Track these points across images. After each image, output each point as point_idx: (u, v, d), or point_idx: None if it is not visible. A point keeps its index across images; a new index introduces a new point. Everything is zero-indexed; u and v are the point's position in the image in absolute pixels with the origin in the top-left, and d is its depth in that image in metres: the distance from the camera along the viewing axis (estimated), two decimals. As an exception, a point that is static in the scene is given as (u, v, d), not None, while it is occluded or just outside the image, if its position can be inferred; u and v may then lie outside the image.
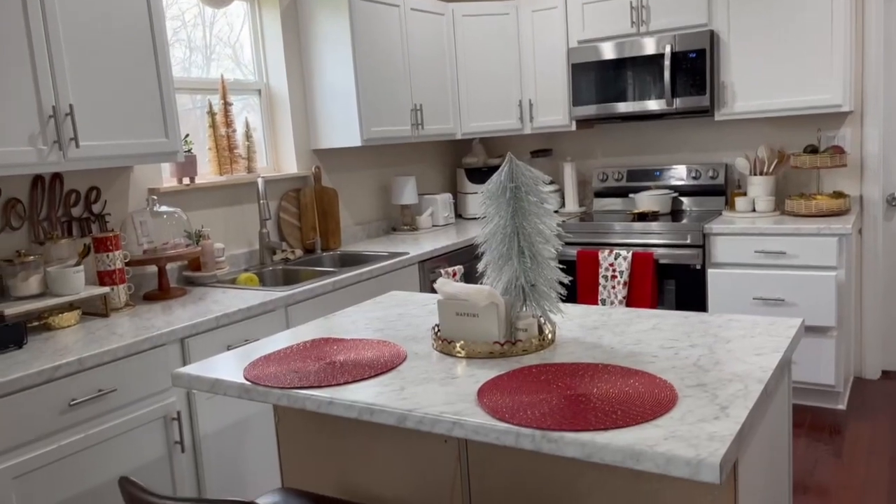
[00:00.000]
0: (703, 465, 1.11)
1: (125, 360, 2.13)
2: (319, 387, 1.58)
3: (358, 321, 2.15)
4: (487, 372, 1.60)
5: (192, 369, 1.77)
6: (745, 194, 3.92)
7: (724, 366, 1.53)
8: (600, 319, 1.97)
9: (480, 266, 1.81)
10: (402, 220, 4.18)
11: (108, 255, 2.53)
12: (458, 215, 4.67)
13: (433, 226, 4.26)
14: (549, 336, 1.77)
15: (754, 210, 3.81)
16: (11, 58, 2.14)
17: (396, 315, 2.20)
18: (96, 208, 2.71)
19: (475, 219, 4.55)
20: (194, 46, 3.25)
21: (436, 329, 1.86)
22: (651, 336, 1.78)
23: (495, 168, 4.56)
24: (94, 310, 2.50)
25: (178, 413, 2.27)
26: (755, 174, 3.85)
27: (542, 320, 1.81)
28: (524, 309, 1.76)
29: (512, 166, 1.73)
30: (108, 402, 2.09)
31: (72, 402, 1.98)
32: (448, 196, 4.35)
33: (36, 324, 2.35)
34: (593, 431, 1.24)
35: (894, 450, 3.10)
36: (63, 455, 1.97)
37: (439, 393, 1.49)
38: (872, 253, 3.82)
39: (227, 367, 1.77)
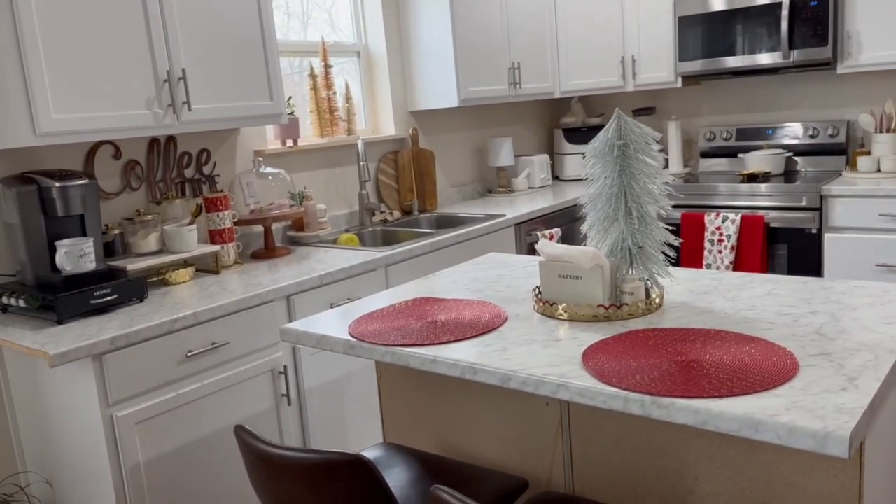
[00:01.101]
0: (831, 438, 1.04)
1: (236, 314, 2.23)
2: (422, 345, 1.59)
3: (458, 281, 2.15)
4: (592, 335, 1.56)
5: (299, 325, 1.83)
6: (868, 153, 3.64)
7: (850, 335, 1.42)
8: (710, 284, 1.89)
9: (584, 227, 1.76)
10: (497, 183, 4.14)
11: (218, 215, 2.63)
12: (556, 177, 4.58)
13: (529, 188, 4.20)
14: (657, 300, 1.71)
15: (879, 170, 3.53)
16: (128, 25, 2.23)
17: (496, 276, 2.18)
18: (207, 169, 2.83)
19: (573, 180, 4.45)
20: (291, 12, 3.30)
21: (537, 291, 1.83)
22: (766, 302, 1.69)
23: (595, 128, 4.43)
24: (206, 267, 2.62)
25: (285, 367, 2.36)
26: (881, 132, 3.55)
27: (649, 283, 1.74)
28: (631, 272, 1.71)
29: (620, 122, 1.67)
30: (221, 354, 2.19)
31: (188, 354, 2.10)
32: (545, 157, 4.27)
33: (154, 279, 2.48)
34: (707, 399, 1.19)
35: None
36: (180, 403, 2.09)
37: (542, 355, 1.47)
38: None
39: (332, 323, 1.82)
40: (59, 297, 2.04)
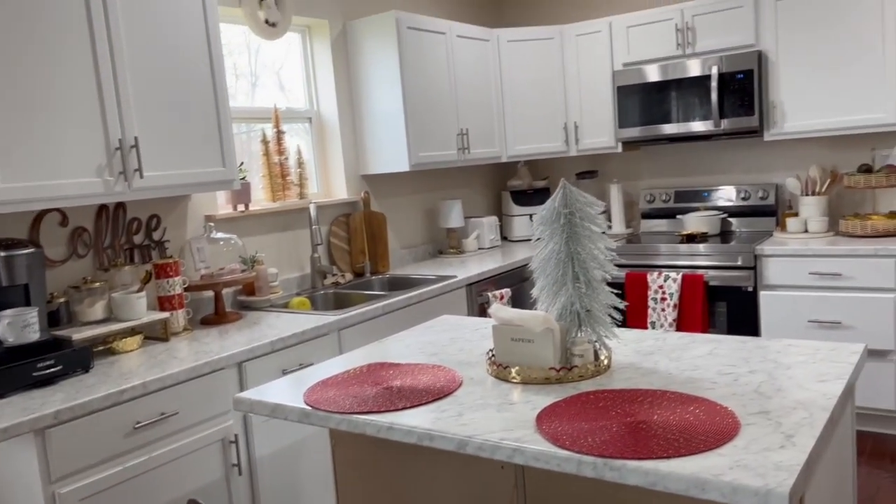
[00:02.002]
0: (773, 496, 1.10)
1: (186, 383, 2.19)
2: (378, 412, 1.60)
3: (411, 345, 2.18)
4: (544, 398, 1.61)
5: (251, 394, 1.82)
6: (796, 215, 3.86)
7: (786, 393, 1.50)
8: (655, 344, 1.96)
9: (534, 292, 1.83)
10: (448, 244, 4.22)
11: (168, 281, 2.61)
12: (504, 237, 4.68)
13: (479, 249, 4.29)
14: (605, 362, 1.77)
15: (806, 231, 3.74)
16: (81, 93, 2.25)
17: (449, 339, 2.22)
18: (157, 235, 2.81)
19: (521, 241, 4.56)
20: (239, 73, 3.36)
21: (490, 354, 1.87)
22: (708, 362, 1.77)
23: (541, 190, 4.58)
24: (155, 334, 2.58)
25: (236, 436, 2.32)
26: (807, 194, 3.78)
27: (597, 346, 1.81)
28: (580, 334, 1.77)
29: (566, 191, 1.75)
30: (170, 424, 2.15)
31: (136, 425, 2.05)
32: (494, 219, 4.38)
33: (101, 348, 2.43)
34: (656, 460, 1.23)
35: (963, 479, 2.99)
36: (128, 477, 2.03)
37: (497, 419, 1.50)
38: (933, 274, 3.70)
39: (286, 391, 1.81)
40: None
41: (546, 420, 1.46)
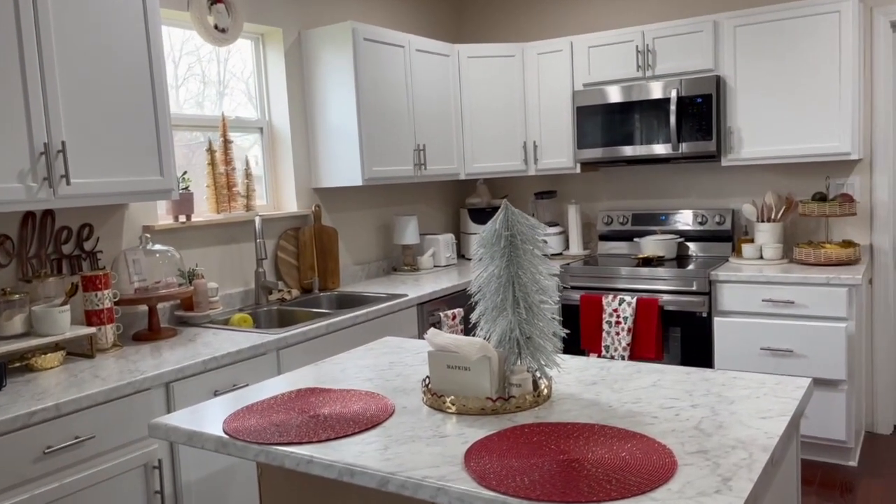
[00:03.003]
0: (703, 549, 1.02)
1: (106, 405, 2.05)
2: (300, 443, 1.49)
3: (348, 369, 2.08)
4: (477, 431, 1.52)
5: (170, 419, 1.70)
6: (752, 241, 3.85)
7: (727, 430, 1.44)
8: (599, 374, 1.89)
9: (474, 316, 1.74)
10: (402, 261, 4.12)
11: (96, 294, 2.47)
12: (461, 255, 4.61)
13: (434, 266, 4.20)
14: (545, 391, 1.69)
15: (762, 257, 3.73)
16: (4, 93, 2.11)
17: (388, 363, 2.12)
18: (88, 245, 2.67)
19: (477, 260, 4.48)
20: (208, 81, 3.25)
21: (426, 381, 1.78)
22: (651, 394, 1.70)
23: (498, 209, 4.51)
24: (81, 350, 2.44)
25: (160, 461, 2.18)
26: (763, 220, 3.78)
27: (537, 374, 1.73)
28: (518, 363, 1.69)
29: (508, 213, 1.68)
30: (85, 449, 2.00)
31: (47, 450, 1.90)
32: (450, 237, 4.30)
33: (18, 364, 2.28)
34: (585, 503, 1.15)
35: (909, 511, 2.97)
36: (35, 505, 1.89)
37: (425, 454, 1.41)
38: (883, 304, 3.72)
39: (208, 417, 1.69)
40: None
41: (475, 456, 1.37)
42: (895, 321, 3.74)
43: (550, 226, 4.40)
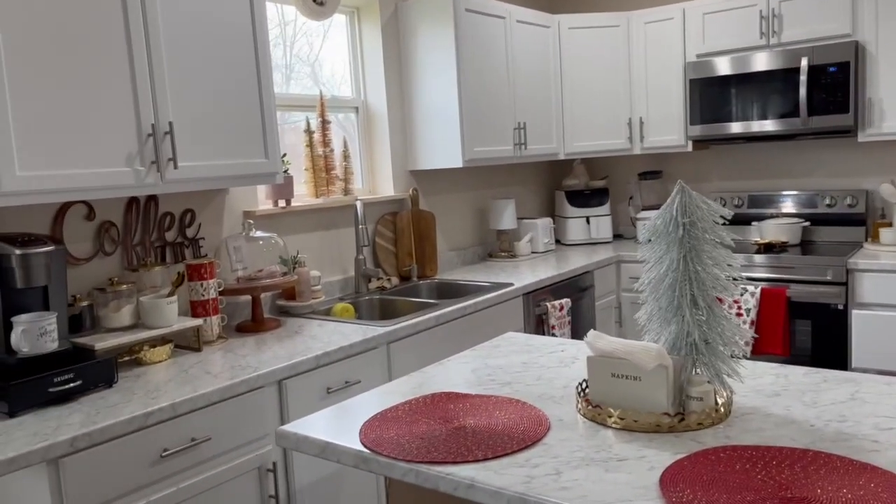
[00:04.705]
0: None
1: (220, 404, 1.92)
2: (454, 462, 1.30)
3: (478, 370, 1.88)
4: (659, 454, 1.29)
5: (297, 427, 1.54)
6: (890, 225, 3.47)
7: (982, 463, 1.17)
8: (777, 382, 1.64)
9: (640, 317, 1.51)
10: (499, 247, 3.91)
11: (202, 284, 2.35)
12: (558, 241, 4.36)
13: (532, 253, 3.97)
14: (726, 407, 1.45)
15: (903, 243, 3.36)
16: (111, 73, 1.98)
17: (521, 364, 1.91)
18: (190, 232, 2.55)
19: (576, 245, 4.23)
20: (274, 66, 3.08)
21: (582, 390, 1.56)
22: (856, 410, 1.44)
23: (599, 191, 4.24)
24: (186, 342, 2.32)
25: (274, 464, 2.04)
26: (904, 202, 3.40)
27: (715, 386, 1.49)
28: (696, 372, 1.45)
29: (684, 196, 1.43)
30: (201, 451, 1.88)
31: (164, 453, 1.78)
32: (548, 221, 4.05)
33: (126, 358, 2.17)
34: (848, 565, 0.92)
35: None
36: (152, 511, 1.77)
37: (608, 481, 1.20)
38: None
39: (336, 424, 1.53)
40: (11, 385, 1.73)
41: (672, 487, 1.15)
42: None
43: (655, 209, 4.10)
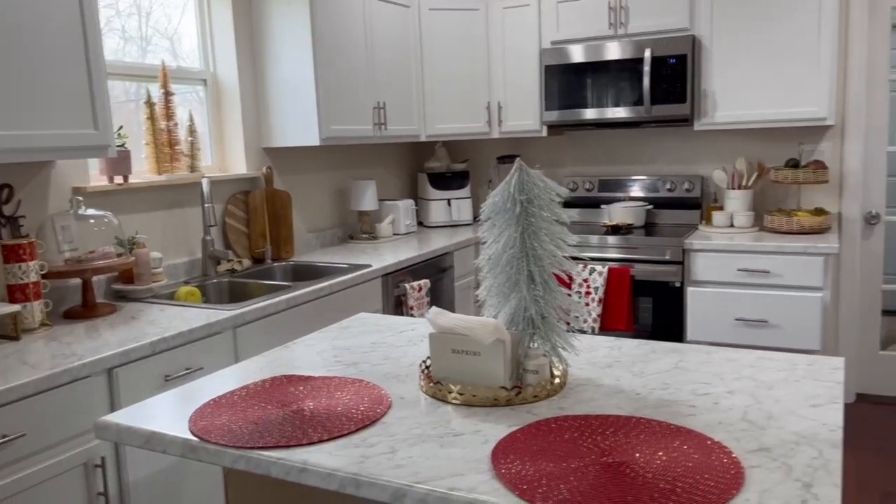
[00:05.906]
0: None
1: (37, 397, 1.75)
2: (286, 446, 1.25)
3: (324, 351, 1.83)
4: (494, 426, 1.31)
5: (121, 417, 1.42)
6: (721, 208, 3.76)
7: (780, 422, 1.27)
8: (611, 354, 1.71)
9: (480, 292, 1.52)
10: (360, 228, 3.85)
11: (20, 267, 2.13)
12: (420, 223, 4.36)
13: (394, 234, 3.95)
14: (561, 379, 1.49)
15: (732, 225, 3.64)
16: None
17: (369, 344, 1.88)
18: (8, 210, 2.30)
19: (438, 227, 4.26)
20: (128, 37, 2.86)
21: (424, 367, 1.55)
22: (677, 378, 1.53)
23: (460, 174, 4.28)
24: (3, 331, 2.10)
25: (103, 459, 1.89)
26: (733, 188, 3.68)
27: (553, 359, 1.53)
28: (534, 345, 1.48)
29: (522, 175, 1.45)
30: (14, 449, 1.70)
31: (-34, 454, 1.60)
32: (410, 202, 4.05)
33: (-74, 350, 1.93)
34: (657, 523, 0.96)
35: (883, 483, 2.96)
36: (-47, 519, 1.58)
37: (442, 457, 1.19)
38: (850, 273, 3.70)
39: (167, 412, 1.43)
40: None
41: (503, 459, 1.16)
42: (860, 290, 3.73)
43: (513, 192, 4.20)
